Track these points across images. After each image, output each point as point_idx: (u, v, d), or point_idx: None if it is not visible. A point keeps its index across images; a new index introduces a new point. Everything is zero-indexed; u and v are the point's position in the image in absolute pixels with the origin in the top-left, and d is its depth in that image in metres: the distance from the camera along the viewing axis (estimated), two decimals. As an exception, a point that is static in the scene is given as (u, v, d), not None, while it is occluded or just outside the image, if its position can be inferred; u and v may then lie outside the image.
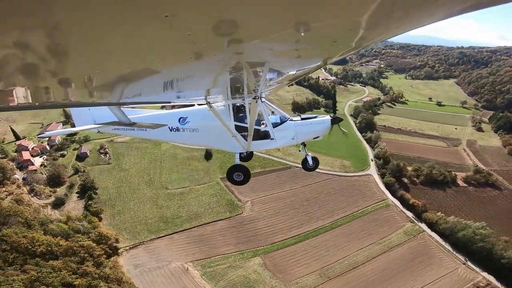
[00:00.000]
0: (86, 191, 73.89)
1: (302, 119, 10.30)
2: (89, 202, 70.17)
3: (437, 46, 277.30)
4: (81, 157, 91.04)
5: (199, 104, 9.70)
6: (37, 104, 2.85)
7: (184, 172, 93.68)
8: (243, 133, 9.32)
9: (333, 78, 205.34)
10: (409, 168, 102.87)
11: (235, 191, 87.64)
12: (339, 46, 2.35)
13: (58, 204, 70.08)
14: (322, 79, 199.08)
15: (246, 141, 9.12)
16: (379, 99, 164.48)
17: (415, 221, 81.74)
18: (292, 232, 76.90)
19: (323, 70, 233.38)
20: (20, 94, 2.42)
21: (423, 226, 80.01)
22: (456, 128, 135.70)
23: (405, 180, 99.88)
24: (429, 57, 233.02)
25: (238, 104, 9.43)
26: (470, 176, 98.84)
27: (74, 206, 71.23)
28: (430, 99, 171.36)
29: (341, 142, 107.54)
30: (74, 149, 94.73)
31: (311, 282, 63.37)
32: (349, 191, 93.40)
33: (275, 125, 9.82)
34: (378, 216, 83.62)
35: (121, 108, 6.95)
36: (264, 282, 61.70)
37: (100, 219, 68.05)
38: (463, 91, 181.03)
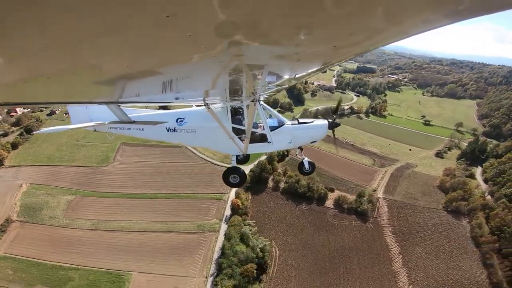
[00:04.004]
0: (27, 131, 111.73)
1: (300, 123, 10.25)
2: (16, 136, 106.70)
3: (498, 65, 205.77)
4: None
5: (197, 105, 9.72)
6: (38, 101, 2.92)
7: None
8: (240, 136, 9.31)
9: (329, 85, 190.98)
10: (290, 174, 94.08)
11: (119, 152, 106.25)
12: (339, 51, 2.34)
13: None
14: (318, 84, 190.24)
15: (243, 143, 9.11)
16: (350, 108, 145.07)
17: (222, 220, 78.74)
18: (121, 189, 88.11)
19: (335, 76, 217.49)
20: (20, 92, 2.52)
21: (224, 227, 76.45)
22: (410, 150, 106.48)
23: (271, 183, 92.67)
24: (469, 75, 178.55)
25: (236, 106, 9.44)
26: (343, 199, 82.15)
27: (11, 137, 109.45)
28: (423, 117, 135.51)
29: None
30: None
31: (80, 224, 74.72)
32: (202, 176, 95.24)
33: (272, 128, 9.75)
34: (198, 203, 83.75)
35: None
36: (52, 209, 77.94)
37: (15, 148, 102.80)
38: (476, 113, 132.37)
